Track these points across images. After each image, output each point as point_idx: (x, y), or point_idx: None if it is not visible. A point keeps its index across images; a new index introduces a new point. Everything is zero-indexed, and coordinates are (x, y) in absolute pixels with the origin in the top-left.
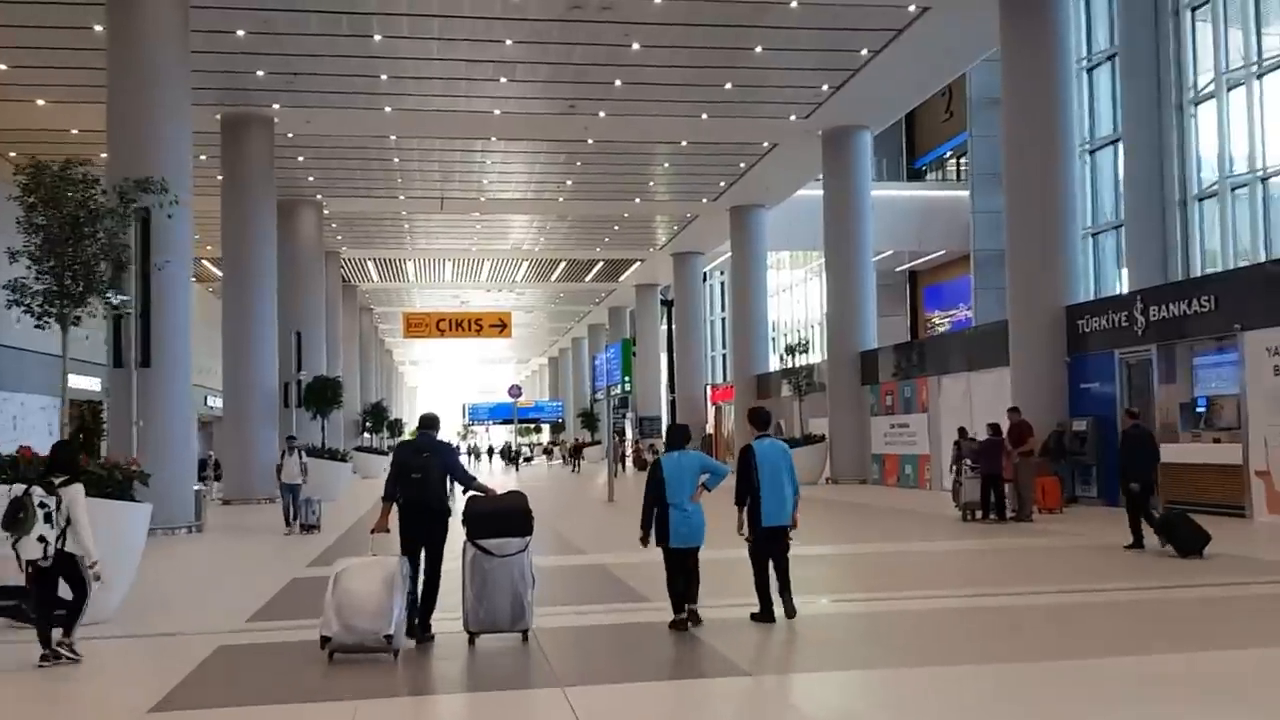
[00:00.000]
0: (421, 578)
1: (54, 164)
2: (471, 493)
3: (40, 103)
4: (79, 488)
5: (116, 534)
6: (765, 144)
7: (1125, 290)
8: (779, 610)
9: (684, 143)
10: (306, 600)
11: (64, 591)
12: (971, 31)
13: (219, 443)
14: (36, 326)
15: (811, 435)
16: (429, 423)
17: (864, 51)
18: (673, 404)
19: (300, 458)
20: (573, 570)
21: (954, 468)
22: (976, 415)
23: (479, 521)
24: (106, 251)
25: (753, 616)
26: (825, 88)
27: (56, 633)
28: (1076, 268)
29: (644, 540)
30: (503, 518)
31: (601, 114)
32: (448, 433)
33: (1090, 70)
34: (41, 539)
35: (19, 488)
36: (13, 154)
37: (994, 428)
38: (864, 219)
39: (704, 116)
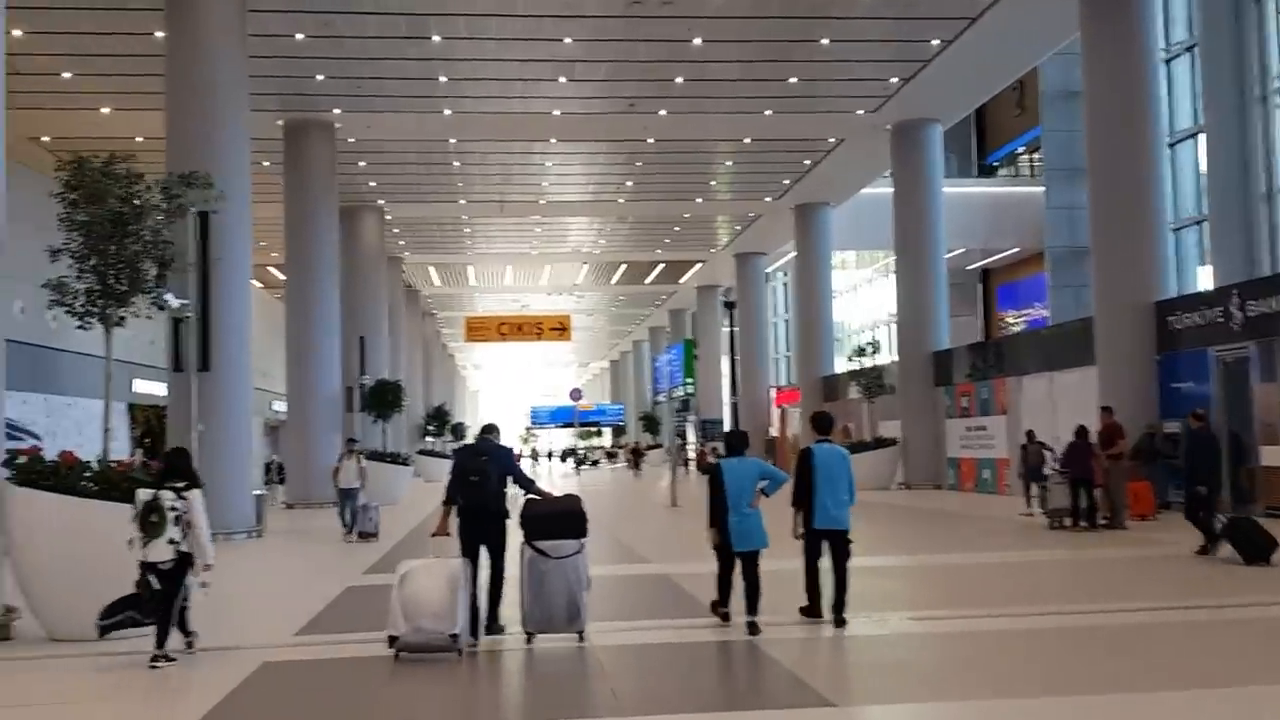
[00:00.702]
0: (486, 577)
1: (97, 159)
2: (529, 495)
3: (105, 111)
4: (198, 492)
5: None
6: (831, 140)
7: (1210, 286)
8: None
9: (747, 140)
10: (358, 612)
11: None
12: (1048, 20)
13: (283, 447)
14: (79, 327)
15: (882, 439)
16: (489, 429)
17: (935, 42)
18: (735, 407)
19: (359, 462)
20: (634, 580)
21: (1022, 472)
22: (1060, 416)
23: (535, 523)
24: (150, 249)
25: (801, 610)
26: (894, 80)
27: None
28: (1166, 262)
29: (713, 540)
30: (558, 520)
31: (662, 112)
32: (510, 437)
33: (1169, 62)
34: (172, 541)
35: (148, 493)
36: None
37: (1081, 430)
38: (935, 216)
39: (768, 113)
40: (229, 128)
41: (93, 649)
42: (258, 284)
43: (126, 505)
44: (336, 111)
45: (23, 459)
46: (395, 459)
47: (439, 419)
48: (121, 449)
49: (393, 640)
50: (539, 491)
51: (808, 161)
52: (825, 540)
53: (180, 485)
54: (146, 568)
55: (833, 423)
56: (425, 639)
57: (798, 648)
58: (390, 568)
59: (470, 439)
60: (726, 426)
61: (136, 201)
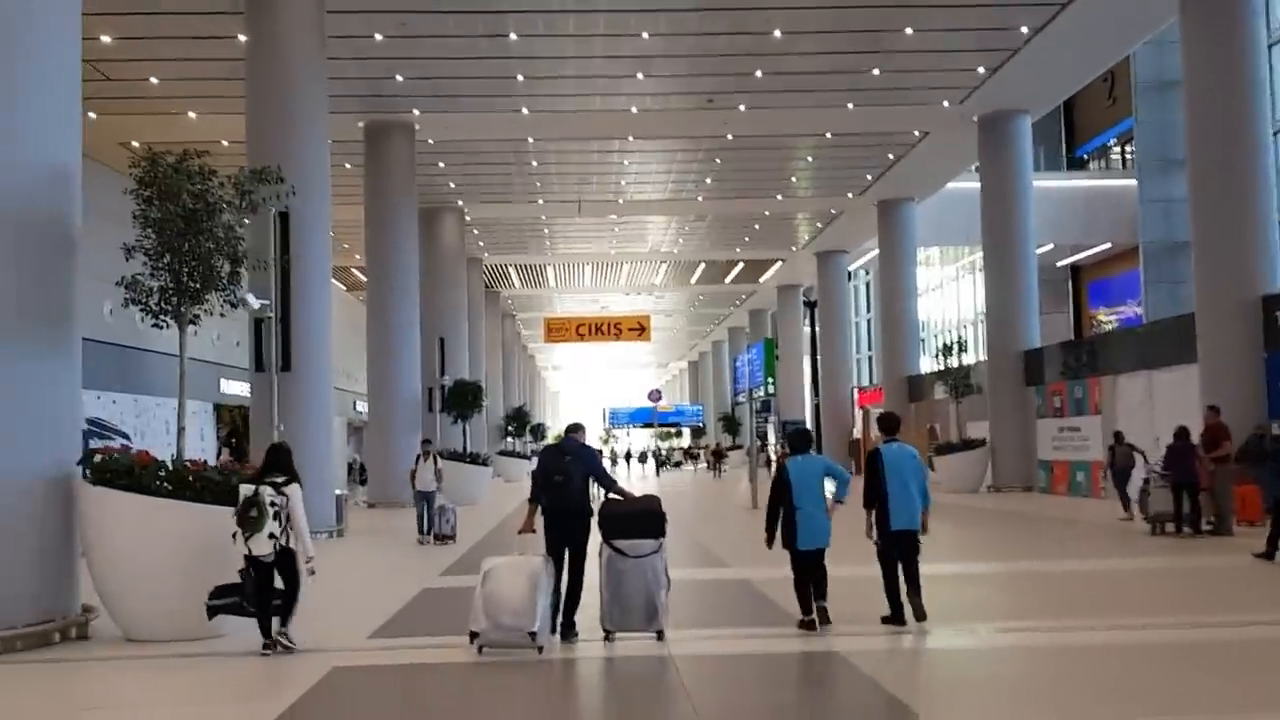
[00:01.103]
0: (566, 577)
1: (170, 155)
2: (609, 495)
3: (191, 115)
4: (298, 488)
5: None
6: (916, 133)
7: None
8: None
9: (828, 134)
10: (432, 615)
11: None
12: (1144, 4)
13: (365, 447)
14: (154, 325)
15: (971, 440)
16: (574, 429)
17: (1024, 29)
18: (817, 408)
19: (435, 463)
20: (714, 586)
21: (1106, 473)
22: (1158, 417)
23: (613, 523)
24: (222, 246)
25: (884, 619)
26: (981, 70)
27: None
28: (1274, 255)
29: (769, 542)
30: (636, 519)
31: (741, 107)
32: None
33: (1273, 47)
34: (272, 536)
35: (249, 488)
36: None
37: (1182, 431)
38: (1025, 209)
39: (850, 106)
40: (308, 128)
41: (166, 650)
42: (340, 285)
43: (198, 505)
44: (416, 112)
45: (99, 458)
46: (474, 459)
47: (519, 420)
48: (208, 448)
49: (474, 636)
50: (620, 491)
51: (891, 156)
52: (898, 542)
53: (280, 480)
54: (250, 560)
55: (899, 423)
56: (505, 635)
57: (884, 660)
58: (467, 569)
59: (551, 439)
60: (809, 427)
61: (210, 198)
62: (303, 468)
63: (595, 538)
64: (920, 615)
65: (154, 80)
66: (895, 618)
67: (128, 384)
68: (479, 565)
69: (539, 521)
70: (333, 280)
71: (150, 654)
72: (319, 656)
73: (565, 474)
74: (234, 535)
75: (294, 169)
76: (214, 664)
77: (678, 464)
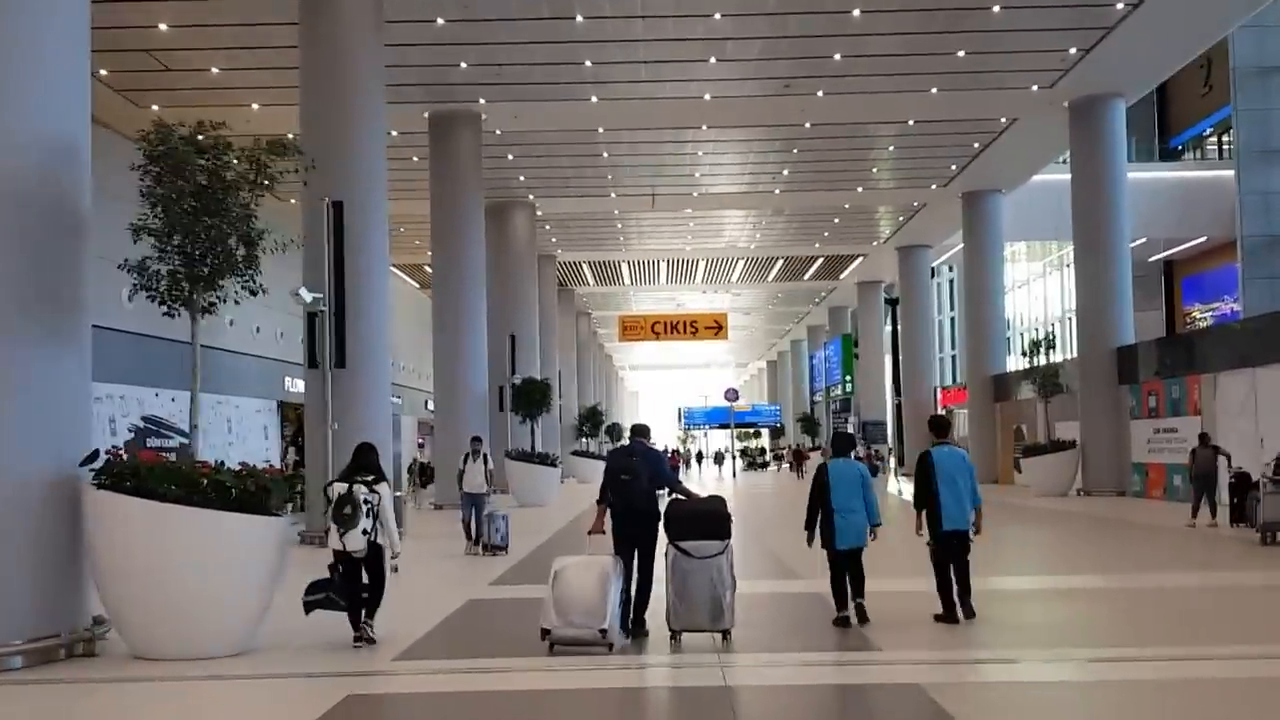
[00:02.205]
0: (635, 576)
1: (183, 126)
2: (674, 496)
3: (255, 107)
4: (387, 487)
5: (242, 553)
6: (1003, 120)
7: None
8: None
9: (910, 122)
10: (474, 632)
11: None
12: None
13: (434, 447)
14: (165, 314)
15: (1060, 441)
16: (640, 431)
17: (1119, 5)
18: (898, 408)
19: (486, 463)
20: (785, 600)
21: (1191, 477)
22: (1264, 418)
23: (679, 524)
24: (235, 226)
25: (936, 618)
26: (1073, 51)
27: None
28: None
29: (809, 540)
30: (701, 520)
31: (820, 93)
32: (668, 439)
33: None
34: (365, 532)
35: (343, 486)
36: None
37: None
38: (1118, 199)
39: (933, 91)
40: (364, 116)
41: (173, 671)
42: (413, 283)
43: (209, 511)
44: (481, 101)
45: (107, 457)
46: (544, 460)
47: (592, 419)
48: (273, 447)
49: (545, 633)
50: (685, 492)
51: (976, 144)
52: (950, 542)
53: (370, 479)
54: (339, 556)
55: (950, 426)
56: (576, 633)
57: (966, 694)
58: (522, 579)
59: (626, 440)
60: (889, 428)
61: (227, 174)
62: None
63: (664, 538)
64: (970, 614)
65: (215, 70)
66: (948, 616)
67: (188, 381)
68: (545, 569)
69: (608, 523)
70: (405, 277)
71: (154, 674)
72: (334, 682)
73: (632, 474)
74: (327, 531)
75: (350, 158)
76: (217, 690)
77: (764, 465)
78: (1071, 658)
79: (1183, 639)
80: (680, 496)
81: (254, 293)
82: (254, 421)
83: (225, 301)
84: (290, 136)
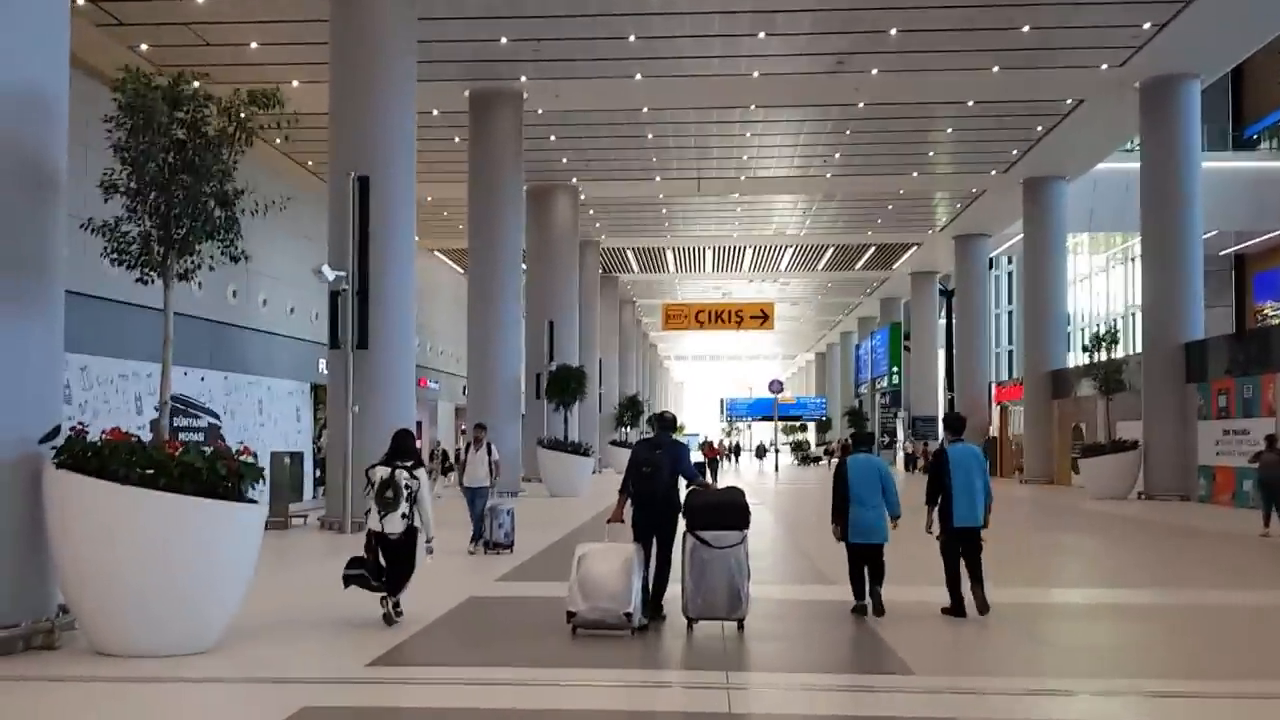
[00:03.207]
0: (653, 564)
1: (161, 76)
2: (693, 486)
3: (295, 84)
4: (425, 472)
5: (211, 543)
6: (1069, 101)
7: None
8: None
9: (970, 103)
10: (467, 634)
11: None
12: None
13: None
14: (139, 280)
15: (1121, 441)
16: (665, 423)
17: None
18: (950, 403)
19: (490, 453)
20: (810, 610)
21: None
22: None
23: (698, 514)
24: (209, 183)
25: (944, 611)
26: (1147, 26)
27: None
28: None
29: (836, 534)
30: (720, 511)
31: (874, 71)
32: (712, 430)
33: None
34: (404, 515)
35: (385, 470)
36: (279, 140)
37: None
38: (1191, 187)
39: (995, 69)
40: (394, 87)
41: (129, 670)
42: (457, 268)
43: (176, 496)
44: (523, 79)
45: (70, 434)
46: (576, 449)
47: (632, 409)
48: (304, 430)
49: (570, 615)
50: (703, 484)
51: (1040, 128)
52: (961, 538)
53: (409, 465)
54: (375, 537)
55: (965, 424)
56: (601, 616)
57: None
58: (529, 575)
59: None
60: (940, 423)
61: (206, 129)
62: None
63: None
64: (983, 608)
65: (254, 45)
66: (955, 610)
67: (218, 361)
68: (552, 568)
69: (627, 512)
70: (450, 263)
71: (108, 674)
72: (293, 690)
73: (655, 465)
74: (366, 513)
75: (378, 131)
76: (164, 694)
77: (816, 459)
78: (1132, 690)
79: (1261, 670)
80: (699, 487)
81: (235, 259)
82: (286, 403)
83: (201, 268)
84: (276, 87)
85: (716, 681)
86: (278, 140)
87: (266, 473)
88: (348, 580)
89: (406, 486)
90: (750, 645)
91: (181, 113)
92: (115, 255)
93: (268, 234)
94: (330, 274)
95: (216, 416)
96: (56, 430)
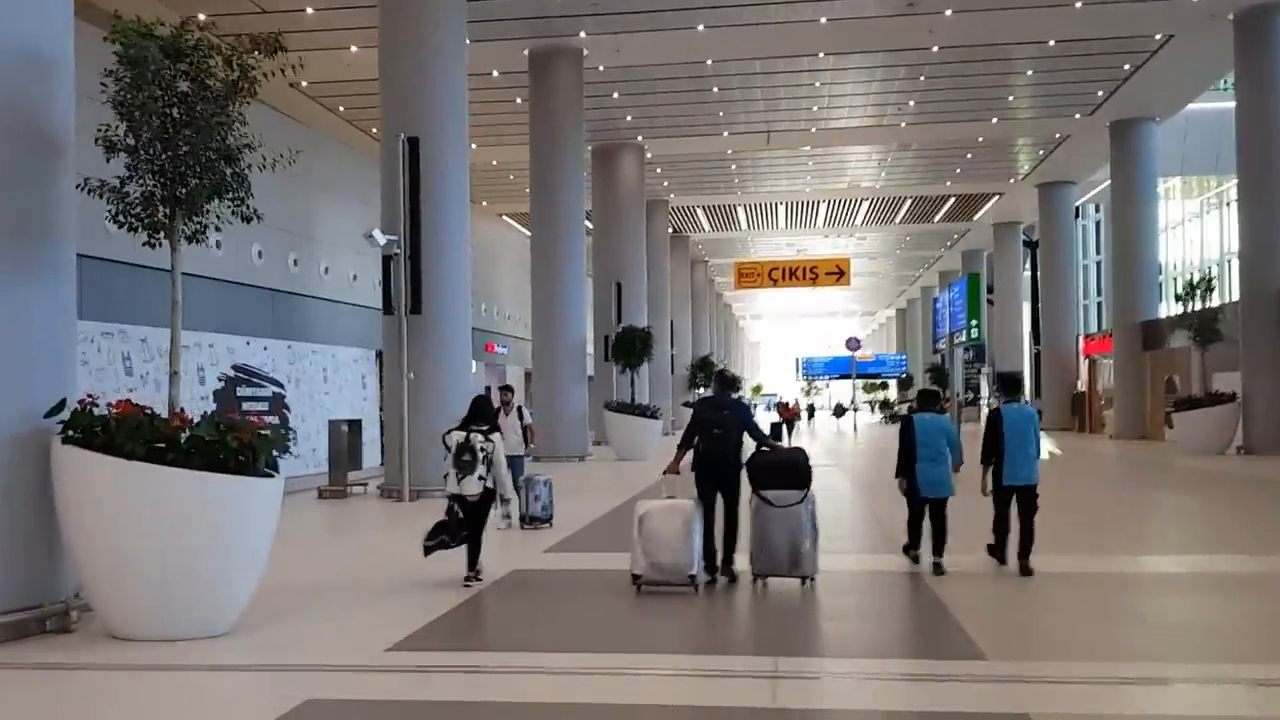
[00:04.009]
0: (722, 522)
1: (163, 25)
2: (760, 447)
3: (353, 49)
4: (500, 436)
5: (224, 521)
6: (1158, 36)
7: None
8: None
9: (1051, 42)
10: (504, 613)
11: None
12: None
13: (534, 397)
14: (146, 244)
15: (1218, 394)
16: (728, 382)
17: None
18: (1036, 357)
19: (521, 417)
20: (877, 581)
21: None
22: None
23: (761, 473)
24: (208, 137)
25: (988, 548)
26: None
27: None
28: None
29: (901, 486)
30: (782, 470)
31: (948, 11)
32: (788, 389)
33: None
34: (480, 478)
35: (461, 435)
36: (341, 108)
37: None
38: None
39: (1078, 4)
40: (444, 44)
41: (139, 656)
42: (526, 231)
43: (185, 471)
44: (582, 35)
45: (78, 408)
46: (644, 412)
47: (705, 370)
48: (370, 397)
49: (635, 578)
50: (771, 445)
51: (1128, 66)
52: (1015, 494)
53: (485, 429)
54: (455, 499)
55: (1022, 385)
56: (664, 576)
57: None
58: (580, 546)
59: (750, 391)
60: (1027, 378)
61: (211, 81)
62: (432, 419)
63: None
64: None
65: (310, 11)
66: (998, 551)
67: (280, 330)
68: (638, 505)
69: (685, 463)
70: (517, 225)
71: (117, 661)
72: (306, 678)
73: (724, 427)
74: (445, 476)
75: (428, 90)
76: (168, 683)
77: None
78: (1236, 678)
79: None
80: (765, 447)
81: (247, 219)
82: (351, 371)
83: (208, 230)
84: (279, 32)
85: (764, 669)
86: (340, 108)
87: (323, 441)
88: (428, 550)
89: (482, 449)
90: (809, 623)
91: (184, 64)
92: (119, 218)
93: (329, 201)
94: (381, 238)
95: (280, 386)
96: (62, 404)
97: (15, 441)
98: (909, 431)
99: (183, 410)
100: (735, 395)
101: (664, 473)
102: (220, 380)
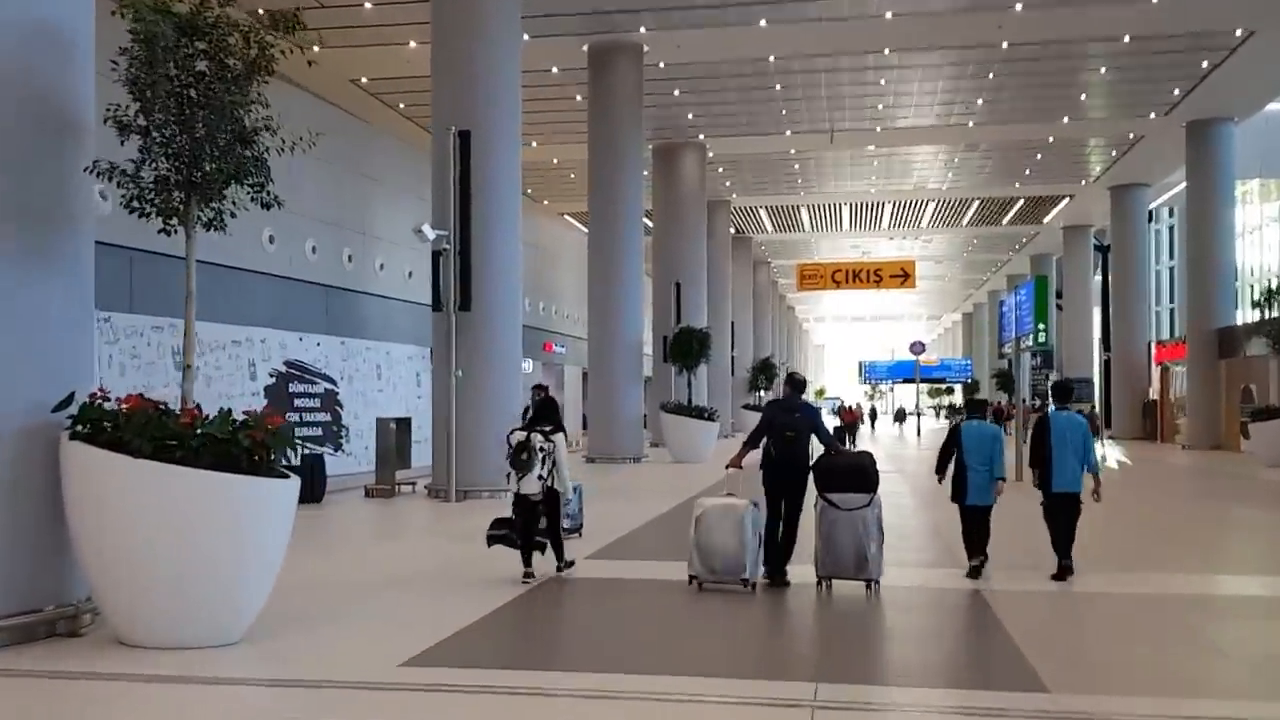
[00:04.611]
0: (782, 528)
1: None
2: (827, 450)
3: (412, 45)
4: (562, 436)
5: (236, 523)
6: (1238, 32)
7: None
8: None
9: (1126, 38)
10: (532, 624)
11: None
12: None
13: (590, 398)
14: (161, 231)
15: None
16: (797, 384)
17: None
18: (1106, 364)
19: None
20: (937, 600)
21: None
22: None
23: (827, 477)
24: (222, 119)
25: (1052, 577)
26: None
27: (540, 562)
28: None
29: (940, 480)
30: (848, 474)
31: (1018, 6)
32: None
33: None
34: (540, 477)
35: (521, 434)
36: (401, 105)
37: None
38: None
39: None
40: (497, 36)
41: (146, 664)
42: (584, 230)
43: (194, 471)
44: (643, 30)
45: (90, 401)
46: (700, 414)
47: (765, 372)
48: (424, 395)
49: (692, 578)
50: (838, 449)
51: (1205, 63)
52: (1060, 500)
53: (548, 429)
54: (519, 499)
55: (1073, 393)
56: (719, 578)
57: None
58: (628, 551)
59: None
60: (1096, 386)
61: (230, 61)
62: (481, 418)
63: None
64: (1061, 575)
65: (368, 6)
66: (1060, 573)
67: (334, 326)
68: (695, 505)
69: (749, 461)
70: (578, 225)
71: (122, 670)
72: (309, 695)
73: (797, 430)
74: (507, 476)
75: (480, 83)
76: (174, 695)
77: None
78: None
79: None
80: (832, 451)
81: (267, 206)
82: (405, 369)
83: (225, 216)
84: (298, 8)
85: (803, 698)
86: (400, 105)
87: (372, 439)
88: (491, 540)
89: (541, 449)
90: (858, 643)
91: (203, 43)
92: (133, 203)
93: (385, 198)
94: (431, 233)
95: (333, 382)
96: (70, 398)
97: (23, 435)
98: (956, 440)
99: (197, 406)
100: (803, 397)
101: (727, 466)
102: (272, 376)
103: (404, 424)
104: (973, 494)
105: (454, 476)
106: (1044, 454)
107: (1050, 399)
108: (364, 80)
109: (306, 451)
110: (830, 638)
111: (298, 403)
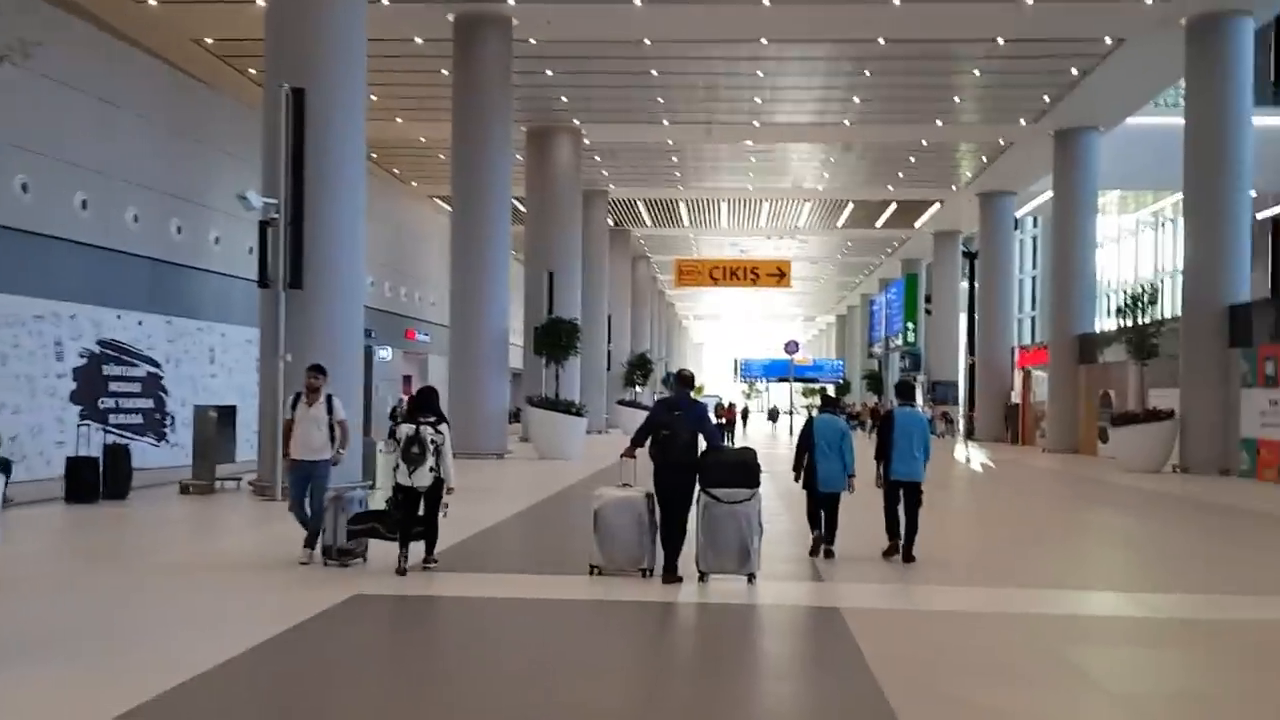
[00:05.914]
0: (670, 524)
1: None
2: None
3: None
4: (448, 427)
5: None
6: (1108, 39)
7: None
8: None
9: (1000, 40)
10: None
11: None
12: None
13: (451, 389)
14: None
15: (1156, 411)
16: (684, 380)
17: None
18: (971, 368)
19: (331, 410)
20: (789, 619)
21: None
22: None
23: (711, 472)
24: None
25: (884, 553)
26: None
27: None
28: None
29: (796, 478)
30: (731, 469)
31: (895, 0)
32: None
33: None
34: (431, 469)
35: (410, 427)
36: (252, 70)
37: None
38: (1241, 137)
39: (1029, 0)
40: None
41: None
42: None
43: None
44: (511, 3)
45: None
46: (568, 408)
47: (641, 367)
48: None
49: (593, 569)
50: (721, 447)
51: (1075, 70)
52: (901, 489)
53: (433, 420)
54: (403, 490)
55: (914, 390)
56: (619, 568)
57: None
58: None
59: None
60: (961, 389)
61: None
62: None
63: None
64: (908, 558)
65: None
66: (892, 551)
67: (159, 304)
68: (594, 495)
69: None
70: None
71: None
72: None
73: (671, 429)
74: (395, 468)
75: (317, 37)
76: None
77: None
78: None
79: None
80: (716, 448)
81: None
82: (244, 353)
83: None
84: None
85: None
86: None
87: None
88: (351, 534)
89: (432, 441)
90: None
91: None
92: None
93: (227, 167)
94: (257, 200)
95: (157, 365)
96: None
97: None
98: (808, 433)
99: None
100: (691, 394)
101: (621, 456)
102: (82, 356)
103: (227, 412)
104: (824, 481)
105: (280, 473)
106: (888, 446)
107: (895, 397)
108: (209, 41)
109: (110, 441)
110: (680, 675)
111: (113, 386)
